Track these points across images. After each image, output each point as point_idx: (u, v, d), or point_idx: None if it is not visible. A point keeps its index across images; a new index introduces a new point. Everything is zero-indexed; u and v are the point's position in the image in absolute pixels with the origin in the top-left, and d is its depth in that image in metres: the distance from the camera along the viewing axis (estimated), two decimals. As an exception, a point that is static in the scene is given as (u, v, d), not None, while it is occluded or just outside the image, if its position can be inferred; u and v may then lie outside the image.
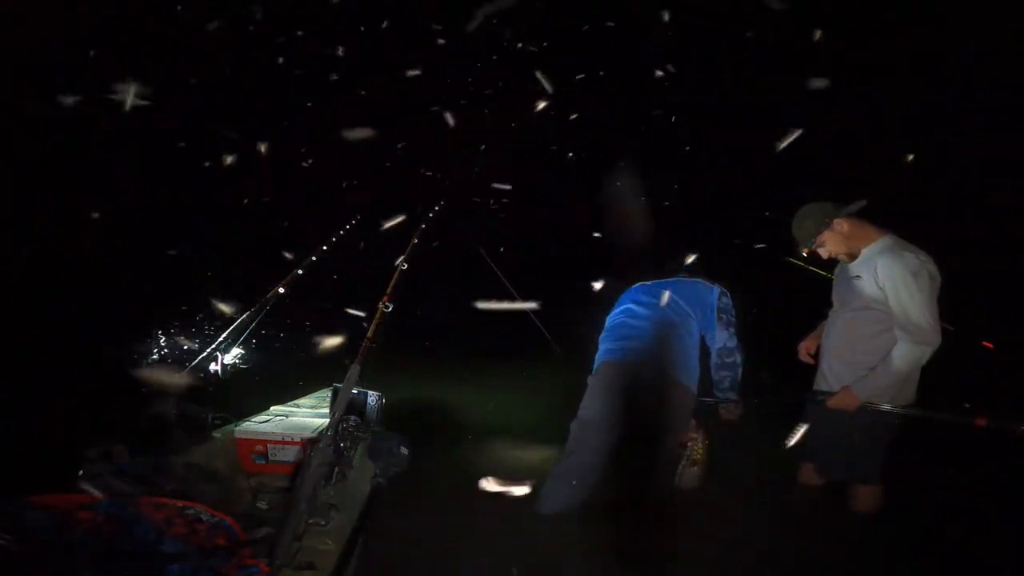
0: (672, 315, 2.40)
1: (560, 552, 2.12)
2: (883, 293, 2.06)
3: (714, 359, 2.45)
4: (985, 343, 2.60)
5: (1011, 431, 1.81)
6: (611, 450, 2.35)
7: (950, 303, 2.13)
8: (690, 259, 2.67)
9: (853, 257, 2.23)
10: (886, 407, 2.09)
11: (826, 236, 2.22)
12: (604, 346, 2.49)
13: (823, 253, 2.28)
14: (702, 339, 2.47)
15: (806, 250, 2.30)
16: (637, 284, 2.63)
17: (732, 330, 2.43)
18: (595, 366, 2.48)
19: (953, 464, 2.71)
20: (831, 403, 2.17)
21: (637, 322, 2.43)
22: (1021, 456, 2.31)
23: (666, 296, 2.45)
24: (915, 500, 2.46)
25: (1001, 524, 2.32)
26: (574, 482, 2.33)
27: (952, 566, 2.09)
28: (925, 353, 2.03)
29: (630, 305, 2.53)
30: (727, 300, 2.48)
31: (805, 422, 2.38)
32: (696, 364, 2.38)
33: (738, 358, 2.44)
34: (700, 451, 2.58)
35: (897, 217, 2.25)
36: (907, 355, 2.02)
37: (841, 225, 2.19)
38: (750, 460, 2.98)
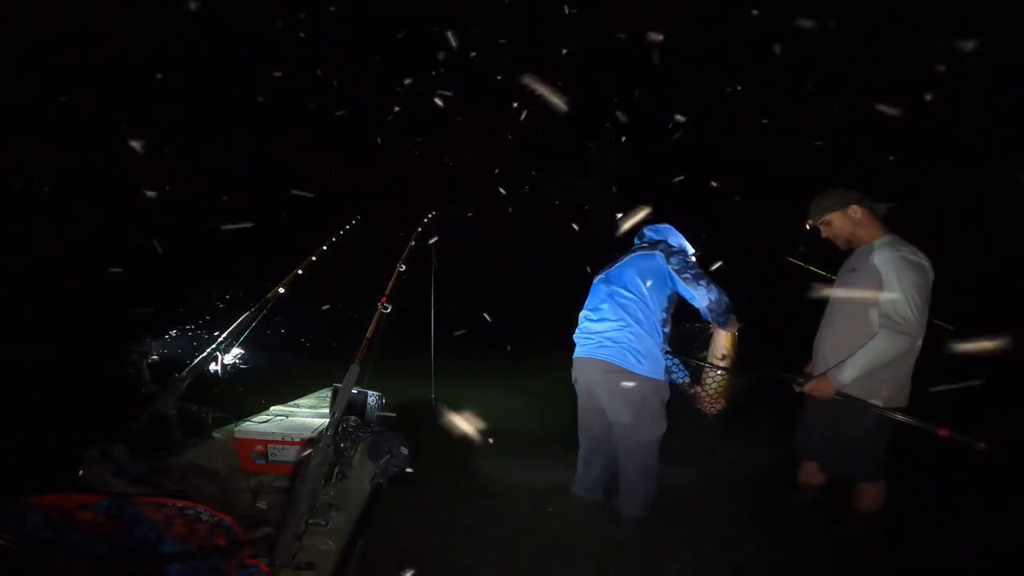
0: (626, 301, 2.30)
1: (559, 551, 2.12)
2: (878, 287, 2.08)
3: (708, 317, 2.31)
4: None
5: (969, 446, 1.80)
6: (601, 441, 2.43)
7: (950, 303, 2.12)
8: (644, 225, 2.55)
9: (850, 244, 2.29)
10: (876, 402, 2.09)
11: (835, 216, 2.27)
12: (575, 340, 2.50)
13: (824, 231, 2.33)
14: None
15: (810, 223, 2.35)
16: (601, 273, 2.51)
17: (704, 282, 2.23)
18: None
19: (951, 464, 2.71)
20: (807, 388, 2.18)
21: (593, 315, 2.41)
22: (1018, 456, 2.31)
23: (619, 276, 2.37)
24: (917, 498, 2.46)
25: (1001, 523, 2.32)
26: (586, 466, 2.49)
27: (952, 565, 2.09)
28: (905, 344, 2.02)
29: (591, 298, 2.49)
30: (677, 258, 2.29)
31: (804, 421, 2.38)
32: (659, 353, 2.27)
33: (727, 304, 2.26)
34: (721, 384, 2.37)
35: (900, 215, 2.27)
36: (888, 344, 2.02)
37: (855, 211, 2.25)
38: (749, 458, 2.97)
